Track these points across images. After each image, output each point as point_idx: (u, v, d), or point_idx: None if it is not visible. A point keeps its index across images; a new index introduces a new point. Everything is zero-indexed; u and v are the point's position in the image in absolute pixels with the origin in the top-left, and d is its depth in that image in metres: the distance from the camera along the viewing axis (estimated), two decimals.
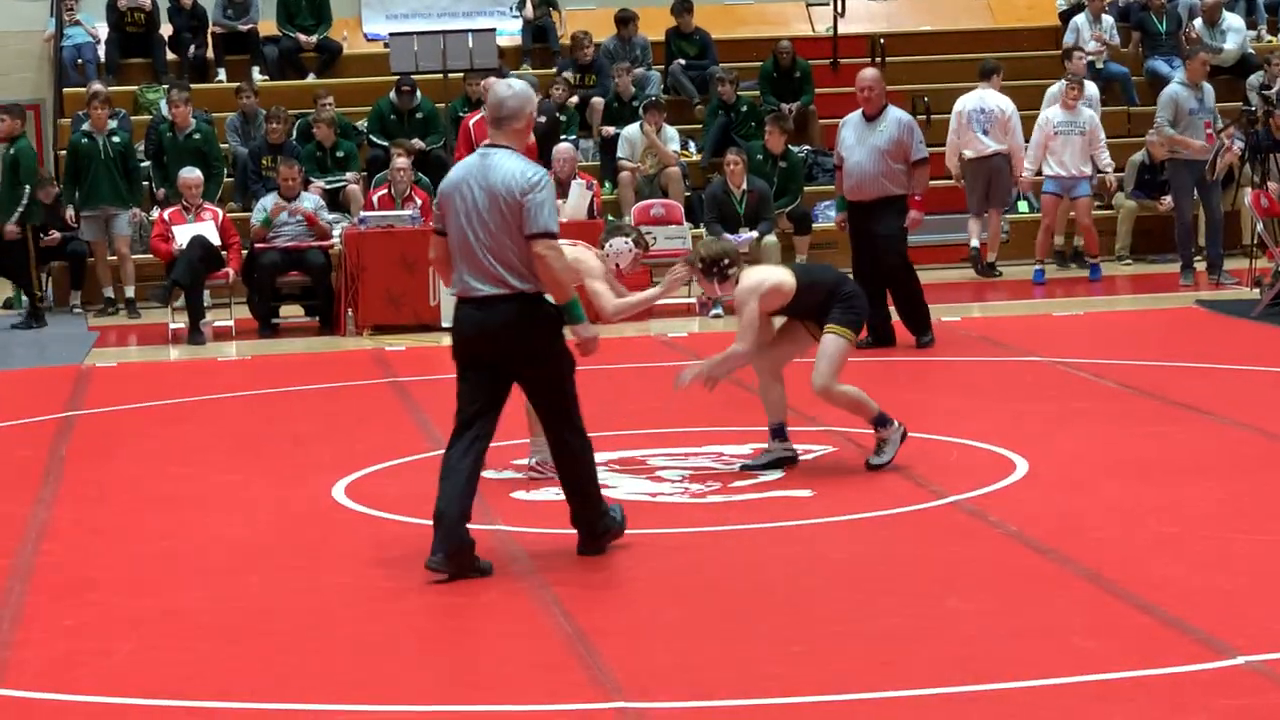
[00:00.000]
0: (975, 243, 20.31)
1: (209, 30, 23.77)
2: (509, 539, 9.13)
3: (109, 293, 19.72)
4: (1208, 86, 19.26)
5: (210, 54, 23.81)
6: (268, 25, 23.94)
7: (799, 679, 6.81)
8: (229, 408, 13.73)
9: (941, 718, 6.42)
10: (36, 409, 13.63)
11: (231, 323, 17.97)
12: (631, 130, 21.16)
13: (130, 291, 19.57)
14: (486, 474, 10.58)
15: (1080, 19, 23.55)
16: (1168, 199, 20.80)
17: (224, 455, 11.85)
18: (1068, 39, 23.44)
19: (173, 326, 17.73)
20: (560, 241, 8.55)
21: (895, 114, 15.14)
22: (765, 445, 10.64)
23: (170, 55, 23.77)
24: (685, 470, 10.63)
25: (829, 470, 10.45)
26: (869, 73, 15.41)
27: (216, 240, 17.84)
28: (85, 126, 19.66)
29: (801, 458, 10.65)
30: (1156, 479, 10.06)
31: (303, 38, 23.85)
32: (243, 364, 16.23)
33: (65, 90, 23.06)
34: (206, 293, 18.07)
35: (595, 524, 8.78)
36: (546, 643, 7.41)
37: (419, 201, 18.36)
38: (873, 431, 10.44)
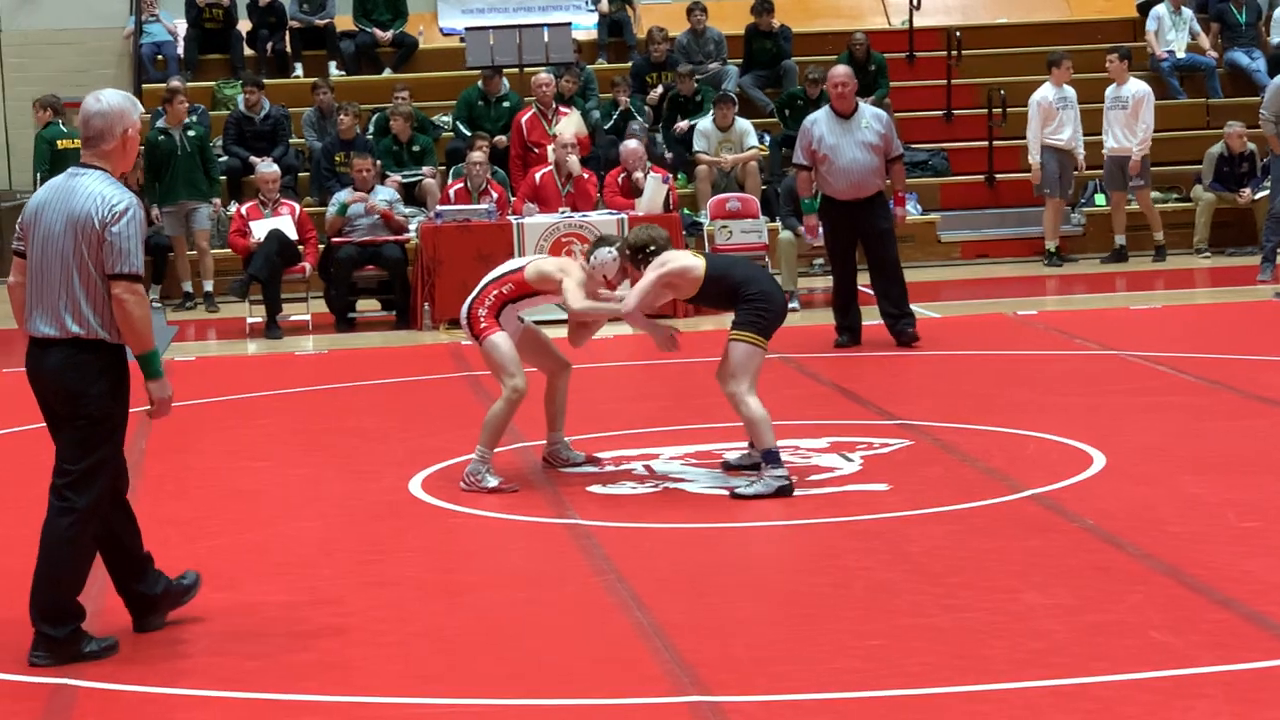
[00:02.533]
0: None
1: (286, 26, 23.93)
2: (585, 532, 9.13)
3: (187, 287, 19.84)
4: None
5: (288, 49, 23.97)
6: (344, 20, 24.07)
7: (876, 673, 6.79)
8: (305, 402, 13.78)
9: (1019, 712, 6.38)
10: None
11: (308, 317, 18.05)
12: (707, 124, 21.12)
13: (209, 285, 19.69)
14: (565, 470, 10.61)
15: (1161, 9, 23.36)
16: (1247, 191, 20.67)
17: (300, 449, 11.90)
18: (1149, 27, 23.31)
19: (250, 321, 17.83)
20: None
21: (871, 110, 15.01)
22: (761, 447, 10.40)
23: (248, 51, 23.95)
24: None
25: (905, 464, 10.40)
26: (842, 69, 15.15)
27: (294, 235, 17.94)
28: (161, 123, 19.76)
29: (878, 451, 10.62)
30: (1236, 473, 9.98)
31: (379, 33, 23.95)
32: (319, 358, 16.28)
33: (144, 86, 23.21)
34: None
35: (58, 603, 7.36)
36: (621, 636, 7.40)
37: (495, 195, 18.41)
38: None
